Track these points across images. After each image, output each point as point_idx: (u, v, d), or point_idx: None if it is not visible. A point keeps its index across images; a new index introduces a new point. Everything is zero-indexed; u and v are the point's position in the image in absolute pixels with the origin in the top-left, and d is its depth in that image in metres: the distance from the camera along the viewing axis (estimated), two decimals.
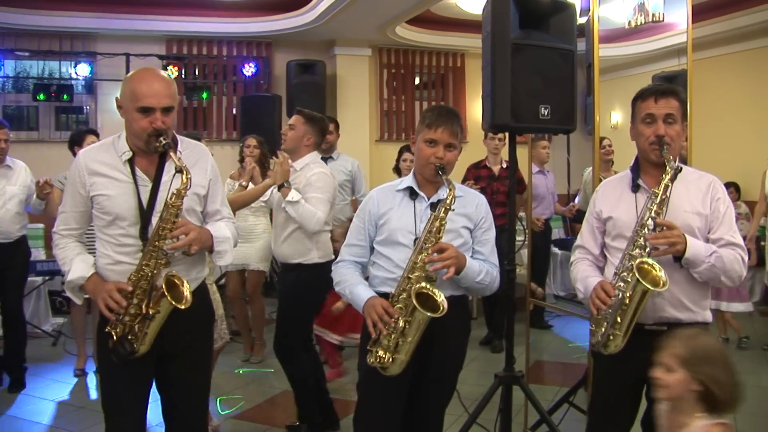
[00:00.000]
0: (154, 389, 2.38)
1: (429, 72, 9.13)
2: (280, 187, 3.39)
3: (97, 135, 4.72)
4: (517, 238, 4.74)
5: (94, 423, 3.71)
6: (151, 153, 2.21)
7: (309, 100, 7.41)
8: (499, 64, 2.91)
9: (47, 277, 5.76)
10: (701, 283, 2.24)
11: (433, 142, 2.40)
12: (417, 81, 9.14)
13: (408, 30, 8.12)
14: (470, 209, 2.46)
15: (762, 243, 5.81)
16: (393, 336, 2.21)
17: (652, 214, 2.17)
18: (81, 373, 4.70)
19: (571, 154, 7.09)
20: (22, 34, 7.26)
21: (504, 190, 5.21)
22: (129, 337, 2.14)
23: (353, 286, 2.43)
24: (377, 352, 2.24)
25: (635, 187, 2.33)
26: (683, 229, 2.16)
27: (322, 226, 3.42)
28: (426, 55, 8.98)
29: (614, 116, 9.17)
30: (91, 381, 4.60)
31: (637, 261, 2.10)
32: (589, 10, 3.21)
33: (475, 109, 8.73)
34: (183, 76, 7.70)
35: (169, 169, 2.21)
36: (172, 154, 2.14)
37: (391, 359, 2.23)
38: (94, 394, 4.35)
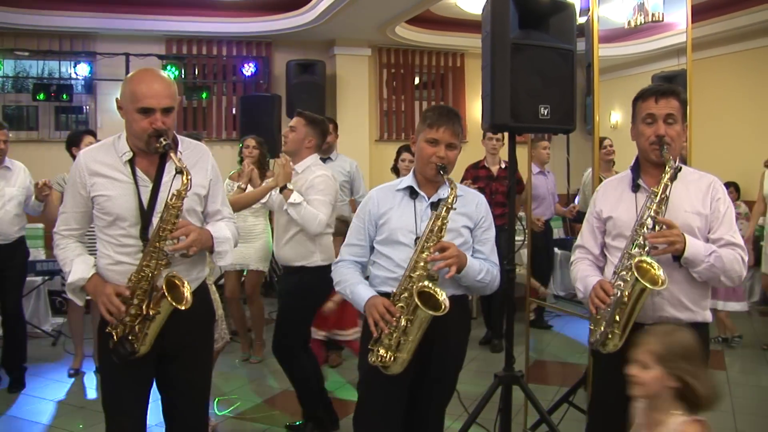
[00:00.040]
0: (153, 389, 2.38)
1: (429, 72, 9.13)
2: (281, 189, 3.39)
3: (94, 135, 4.73)
4: (517, 238, 4.73)
5: (94, 423, 3.71)
6: (151, 153, 2.21)
7: (309, 100, 7.41)
8: (499, 64, 2.91)
9: (47, 277, 5.75)
10: (701, 283, 2.24)
11: (435, 141, 2.40)
12: (417, 81, 9.14)
13: (408, 30, 8.12)
14: (470, 208, 2.47)
15: (761, 243, 5.81)
16: (395, 335, 2.22)
17: (652, 213, 2.17)
18: (75, 373, 4.69)
19: (571, 154, 7.09)
20: (22, 33, 7.26)
21: (502, 191, 5.21)
22: (129, 338, 2.14)
23: (354, 286, 2.43)
24: (378, 351, 2.24)
25: (635, 187, 2.34)
26: (683, 228, 2.16)
27: (324, 228, 3.42)
28: (426, 55, 8.98)
29: (614, 116, 9.18)
30: (91, 381, 4.60)
31: (636, 260, 2.10)
32: (589, 9, 3.21)
33: (474, 109, 8.74)
34: (183, 76, 7.70)
35: (169, 169, 2.21)
36: (172, 154, 2.14)
37: (392, 358, 2.23)
38: (93, 394, 4.34)
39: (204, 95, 7.80)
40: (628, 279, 2.11)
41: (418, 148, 2.47)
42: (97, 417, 3.66)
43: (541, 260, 5.75)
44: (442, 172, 2.38)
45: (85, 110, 7.96)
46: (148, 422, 2.37)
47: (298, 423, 3.72)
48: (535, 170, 5.93)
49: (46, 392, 4.36)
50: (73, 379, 4.62)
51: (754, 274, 6.33)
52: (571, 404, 3.47)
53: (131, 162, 2.22)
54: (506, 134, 3.36)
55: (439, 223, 2.29)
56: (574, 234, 6.28)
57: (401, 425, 2.45)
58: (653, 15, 5.69)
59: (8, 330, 4.42)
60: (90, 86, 7.66)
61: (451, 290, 2.34)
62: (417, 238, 2.36)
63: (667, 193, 2.19)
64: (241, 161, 5.29)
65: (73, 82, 7.42)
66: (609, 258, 2.38)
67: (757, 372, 4.89)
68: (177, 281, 2.14)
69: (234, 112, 8.13)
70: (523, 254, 5.53)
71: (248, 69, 7.92)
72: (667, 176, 2.20)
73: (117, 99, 2.24)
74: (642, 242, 2.15)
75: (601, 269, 2.42)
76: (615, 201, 2.38)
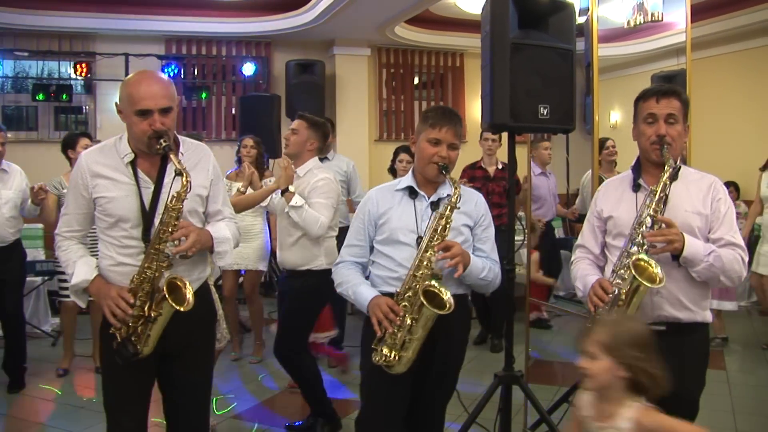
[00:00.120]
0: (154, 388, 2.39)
1: (428, 72, 9.13)
2: (283, 192, 3.39)
3: (90, 138, 4.73)
4: (516, 238, 4.74)
5: (94, 423, 3.71)
6: (153, 155, 2.21)
7: (308, 100, 7.42)
8: (498, 64, 2.91)
9: (47, 278, 5.75)
10: (701, 283, 2.24)
11: (438, 141, 2.40)
12: (416, 81, 9.14)
13: (407, 30, 8.12)
14: (470, 207, 2.47)
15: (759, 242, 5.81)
16: (400, 334, 2.22)
17: (650, 212, 2.18)
18: (65, 374, 4.68)
19: (571, 153, 7.10)
20: (21, 34, 7.26)
21: (499, 191, 5.21)
22: (132, 339, 2.15)
23: (356, 287, 2.43)
24: (382, 350, 2.24)
25: (636, 187, 2.34)
26: (683, 228, 2.16)
27: (326, 231, 3.42)
28: (425, 55, 8.99)
29: (613, 116, 9.18)
30: (90, 381, 4.60)
31: (634, 258, 2.11)
32: (588, 9, 3.21)
33: (474, 109, 8.73)
34: (182, 76, 7.70)
35: (171, 170, 2.22)
36: (172, 156, 2.14)
37: (397, 357, 2.23)
38: (93, 394, 4.34)
39: (203, 95, 7.80)
40: (626, 277, 2.12)
41: (419, 148, 2.47)
42: (97, 417, 3.67)
43: (549, 261, 5.76)
44: (444, 172, 2.38)
45: (84, 110, 7.96)
46: (149, 422, 2.37)
47: (298, 423, 3.72)
48: (537, 171, 5.93)
49: (46, 392, 4.36)
50: (75, 379, 4.62)
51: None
52: (571, 404, 3.46)
53: (133, 163, 2.23)
54: (504, 134, 3.36)
55: (443, 222, 2.29)
56: (574, 234, 6.29)
57: (404, 424, 2.45)
58: (652, 15, 5.69)
59: (8, 331, 4.43)
60: (89, 86, 7.67)
61: (453, 289, 2.34)
62: (418, 238, 2.36)
63: (667, 191, 2.20)
64: (238, 161, 5.28)
65: (72, 82, 7.42)
66: (609, 257, 2.39)
67: (756, 372, 4.90)
68: (179, 282, 2.14)
69: (233, 112, 8.13)
70: (523, 254, 5.54)
71: (248, 69, 7.92)
72: (666, 175, 2.20)
73: (116, 103, 2.24)
74: (641, 241, 2.16)
75: (602, 269, 2.42)
76: (616, 200, 2.38)
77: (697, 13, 5.25)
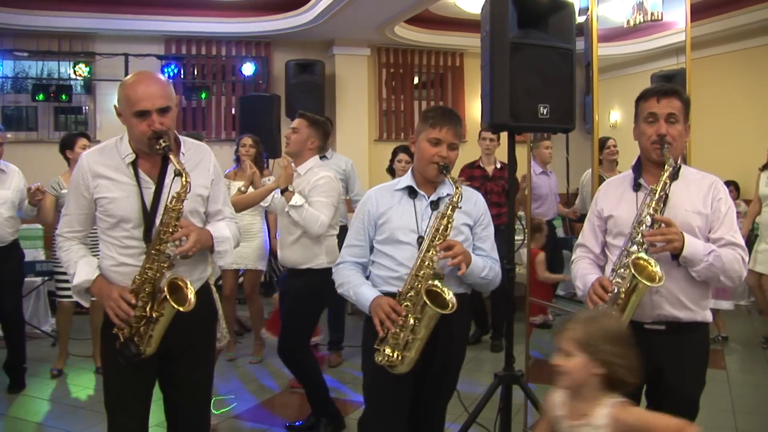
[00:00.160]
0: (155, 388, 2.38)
1: (428, 71, 9.13)
2: (283, 191, 3.39)
3: (88, 138, 4.72)
4: (516, 237, 4.73)
5: (94, 423, 3.71)
6: (153, 155, 2.21)
7: (308, 99, 7.41)
8: (498, 64, 2.91)
9: (46, 278, 5.75)
10: (701, 282, 2.24)
11: (438, 141, 2.40)
12: (416, 80, 9.14)
13: (407, 29, 8.12)
14: (469, 206, 2.47)
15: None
16: (402, 334, 2.22)
17: (650, 211, 2.18)
18: (59, 374, 4.67)
19: (571, 153, 7.11)
20: (21, 34, 7.26)
21: (498, 191, 5.21)
22: (135, 339, 2.15)
23: (357, 287, 2.43)
24: (385, 350, 2.24)
25: (637, 186, 2.34)
26: (683, 228, 2.16)
27: (326, 229, 3.42)
28: (425, 55, 8.99)
29: (613, 115, 9.19)
30: (91, 381, 4.60)
31: (633, 257, 2.11)
32: (588, 9, 3.21)
33: (473, 109, 8.73)
34: (182, 76, 7.70)
35: (172, 171, 2.21)
36: (172, 157, 2.14)
37: (400, 357, 2.23)
38: (93, 394, 4.34)
39: (203, 95, 7.81)
40: (626, 276, 2.12)
41: (419, 148, 2.47)
42: (97, 417, 3.67)
43: (551, 260, 5.76)
44: (444, 172, 2.38)
45: (84, 111, 7.97)
46: (150, 422, 2.37)
47: (298, 423, 3.72)
48: (538, 170, 5.93)
49: (46, 392, 4.36)
50: (75, 379, 4.62)
51: None
52: None
53: (134, 164, 2.23)
54: (503, 134, 3.36)
55: (444, 222, 2.30)
56: (574, 233, 6.29)
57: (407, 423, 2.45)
58: (652, 14, 5.70)
59: (8, 332, 4.43)
60: (89, 87, 7.67)
61: (453, 288, 2.34)
62: (419, 237, 2.36)
63: (667, 190, 2.20)
64: (237, 159, 5.27)
65: (72, 82, 7.42)
66: (609, 256, 2.39)
67: (756, 371, 4.90)
68: (180, 283, 2.14)
69: (233, 112, 8.13)
70: (523, 254, 5.53)
71: (247, 69, 7.92)
72: (666, 174, 2.20)
73: (115, 106, 2.24)
74: (641, 240, 2.16)
75: (602, 268, 2.42)
76: (616, 200, 2.38)
77: (697, 13, 5.25)
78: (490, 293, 5.31)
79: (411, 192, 2.47)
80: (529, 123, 3.00)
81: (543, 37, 2.99)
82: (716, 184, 2.31)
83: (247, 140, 5.13)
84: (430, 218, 2.38)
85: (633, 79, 8.31)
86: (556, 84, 3.00)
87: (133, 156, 2.23)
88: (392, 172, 4.96)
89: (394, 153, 5.00)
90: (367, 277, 2.51)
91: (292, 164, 3.50)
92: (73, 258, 2.29)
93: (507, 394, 3.06)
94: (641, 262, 2.10)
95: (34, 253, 6.10)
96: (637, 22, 5.87)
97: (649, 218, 2.17)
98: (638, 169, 2.38)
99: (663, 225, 2.14)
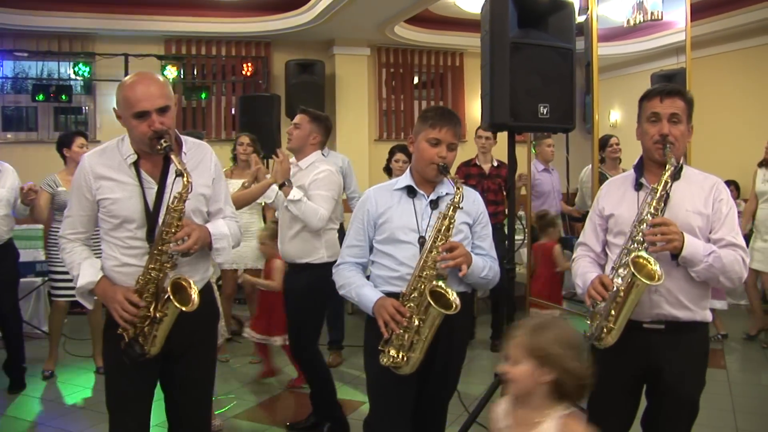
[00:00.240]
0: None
1: (428, 71, 9.14)
2: (281, 186, 3.38)
3: (85, 136, 4.72)
4: (516, 237, 4.73)
5: (94, 423, 3.71)
6: (155, 155, 2.21)
7: (308, 99, 7.39)
8: (498, 63, 2.91)
9: (46, 278, 5.75)
10: (700, 282, 2.24)
11: (437, 141, 2.40)
12: (416, 80, 9.15)
13: (407, 29, 8.12)
14: (468, 205, 2.47)
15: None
16: (407, 335, 2.22)
17: (651, 210, 2.18)
18: (50, 375, 4.63)
19: (571, 152, 7.10)
20: (21, 34, 7.26)
21: (494, 189, 5.20)
22: (139, 339, 2.15)
23: (359, 288, 2.42)
24: (389, 352, 2.24)
25: (638, 186, 2.35)
26: (684, 228, 2.16)
27: (326, 223, 3.41)
28: (425, 55, 8.99)
29: (613, 114, 9.19)
30: (90, 381, 4.59)
31: (632, 255, 2.12)
32: (588, 8, 3.22)
33: (473, 109, 8.73)
34: (182, 76, 7.70)
35: (173, 170, 2.21)
36: (173, 156, 2.14)
37: (405, 358, 2.23)
38: (94, 394, 4.34)
39: (203, 95, 7.80)
40: (626, 274, 2.12)
41: (418, 148, 2.47)
42: (97, 417, 3.67)
43: None
44: (444, 172, 2.38)
45: (84, 111, 7.97)
46: (151, 421, 2.37)
47: (298, 423, 3.72)
48: (540, 168, 5.93)
49: (46, 393, 4.36)
50: (75, 380, 4.61)
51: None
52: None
53: (136, 164, 2.23)
54: (503, 133, 3.36)
55: (446, 222, 2.30)
56: (574, 233, 6.28)
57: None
58: (652, 14, 5.71)
59: (5, 332, 4.41)
60: (89, 87, 7.67)
61: (454, 287, 2.34)
62: (420, 237, 2.36)
63: (668, 190, 2.20)
64: (234, 158, 5.27)
65: (72, 82, 7.42)
66: (610, 255, 2.39)
67: (757, 370, 4.90)
68: (184, 283, 2.14)
69: (233, 112, 8.13)
70: (523, 253, 5.53)
71: (247, 69, 7.92)
72: (667, 174, 2.20)
73: (114, 109, 2.24)
74: (641, 239, 2.16)
75: (602, 267, 2.42)
76: (618, 199, 2.39)
77: (697, 12, 5.26)
78: (490, 293, 5.32)
79: (410, 191, 2.47)
80: (529, 123, 3.01)
81: (543, 36, 3.00)
82: (718, 185, 2.31)
83: (245, 138, 5.13)
84: (430, 217, 2.38)
85: (633, 78, 8.32)
86: (556, 84, 3.00)
87: (135, 156, 2.23)
88: (389, 171, 4.95)
89: (391, 152, 4.98)
90: (368, 277, 2.50)
91: (292, 159, 3.49)
92: (77, 260, 2.29)
93: None
94: (641, 260, 2.10)
95: (33, 253, 6.09)
96: (637, 21, 5.88)
97: (649, 217, 2.17)
98: (640, 168, 2.38)
99: (662, 226, 2.14)
